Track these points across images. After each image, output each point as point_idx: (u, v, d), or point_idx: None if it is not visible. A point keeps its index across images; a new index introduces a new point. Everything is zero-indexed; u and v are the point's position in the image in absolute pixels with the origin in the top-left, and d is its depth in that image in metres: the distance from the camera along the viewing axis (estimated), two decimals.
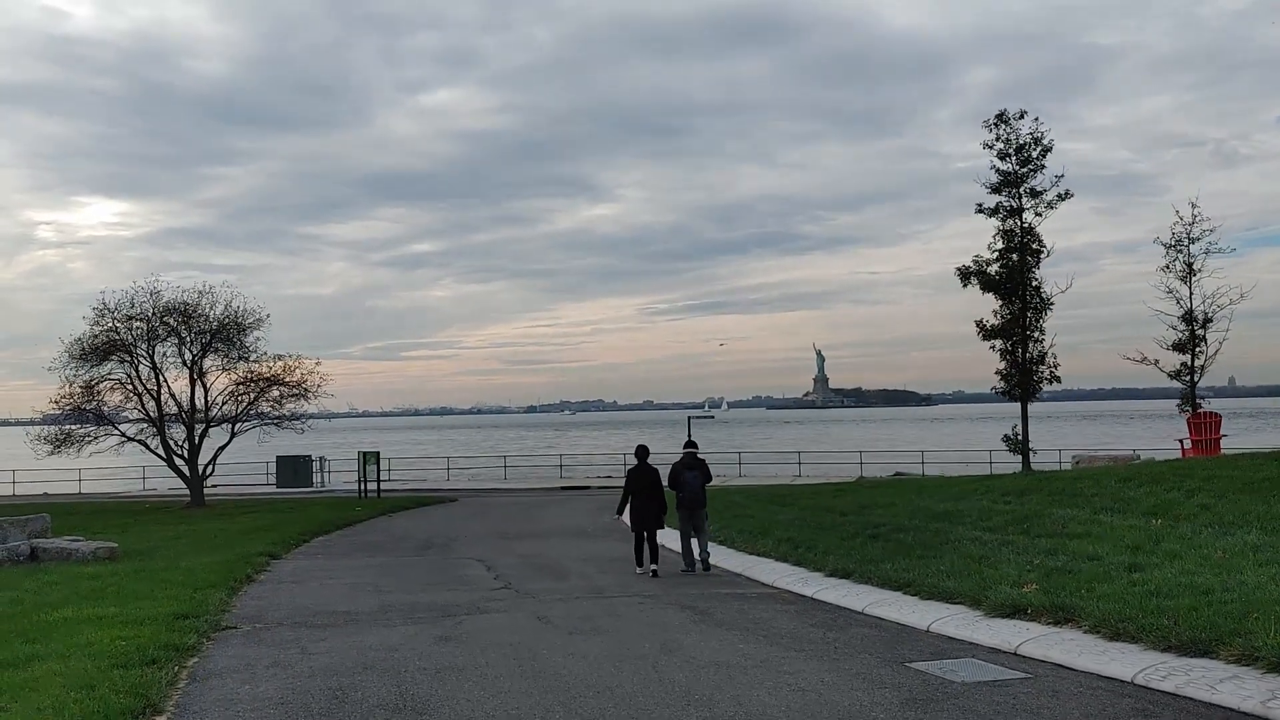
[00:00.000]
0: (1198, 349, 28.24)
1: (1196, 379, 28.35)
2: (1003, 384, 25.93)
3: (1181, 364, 28.31)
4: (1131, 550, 11.95)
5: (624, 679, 8.47)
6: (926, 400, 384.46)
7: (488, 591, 13.94)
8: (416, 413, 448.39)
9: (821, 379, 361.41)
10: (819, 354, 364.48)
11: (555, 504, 33.23)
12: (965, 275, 25.97)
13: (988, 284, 25.54)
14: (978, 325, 25.83)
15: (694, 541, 15.83)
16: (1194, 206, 27.98)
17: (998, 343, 25.59)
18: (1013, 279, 24.98)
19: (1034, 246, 25.43)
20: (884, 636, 10.13)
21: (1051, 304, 25.62)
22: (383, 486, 38.11)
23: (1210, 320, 28.02)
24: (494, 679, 8.58)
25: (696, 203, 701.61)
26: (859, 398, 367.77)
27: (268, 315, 36.43)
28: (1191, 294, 28.25)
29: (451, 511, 30.74)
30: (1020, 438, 24.81)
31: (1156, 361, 28.35)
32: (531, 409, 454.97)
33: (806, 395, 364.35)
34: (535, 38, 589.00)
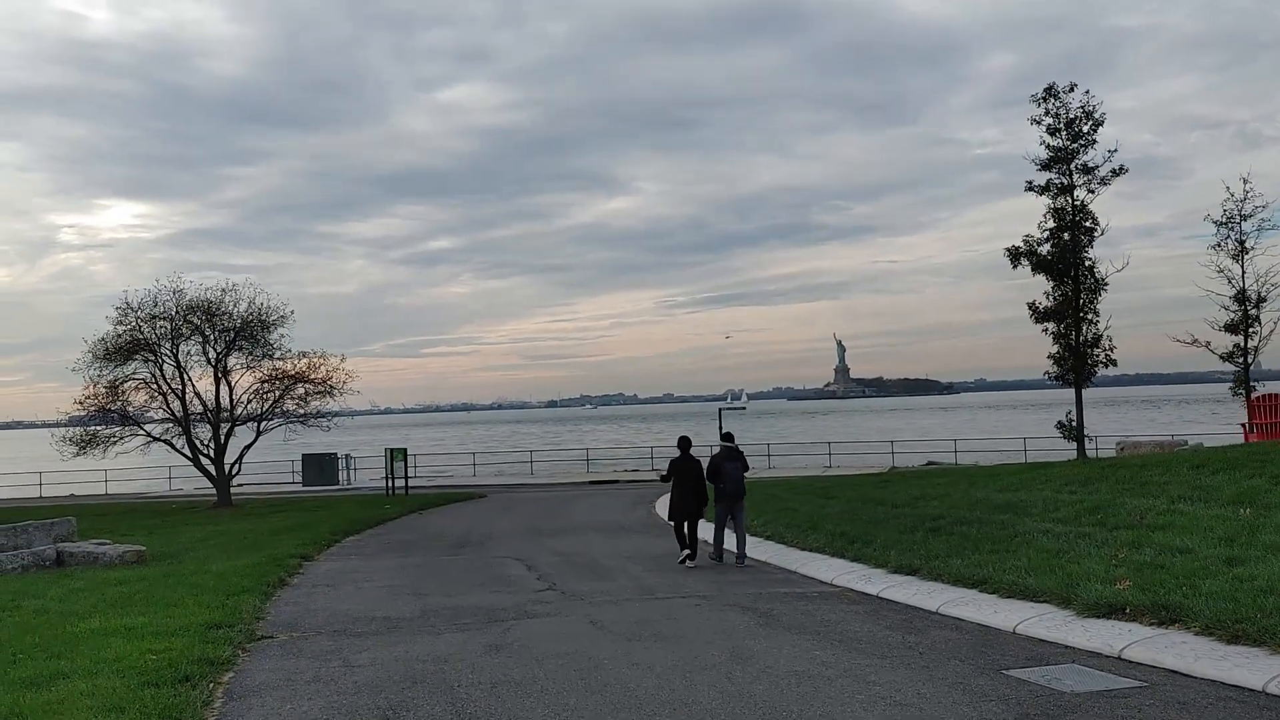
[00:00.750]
0: (1251, 329, 27.25)
1: (1250, 361, 27.37)
2: (1055, 368, 24.82)
3: (1234, 345, 27.31)
4: (1225, 543, 11.15)
5: (698, 693, 7.75)
6: (948, 389, 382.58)
7: (532, 593, 13.25)
8: (438, 409, 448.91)
9: (842, 369, 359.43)
10: (839, 344, 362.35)
11: (585, 499, 32.57)
12: (1015, 256, 24.85)
13: (1039, 265, 24.44)
14: (1030, 307, 24.75)
15: (728, 533, 15.70)
16: (1245, 182, 26.97)
17: (1050, 325, 24.48)
18: (1065, 259, 23.86)
19: (1086, 225, 24.33)
20: (969, 640, 9.38)
21: (1106, 284, 24.50)
22: (410, 483, 37.52)
23: (1264, 300, 27.03)
24: (556, 694, 7.87)
25: (712, 195, 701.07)
26: (880, 387, 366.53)
27: (291, 311, 35.88)
28: (1244, 272, 27.26)
29: (482, 508, 30.12)
30: (1075, 424, 23.72)
31: (1208, 344, 27.39)
32: (552, 403, 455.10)
33: (827, 386, 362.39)
34: (548, 32, 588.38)
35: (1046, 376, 24.22)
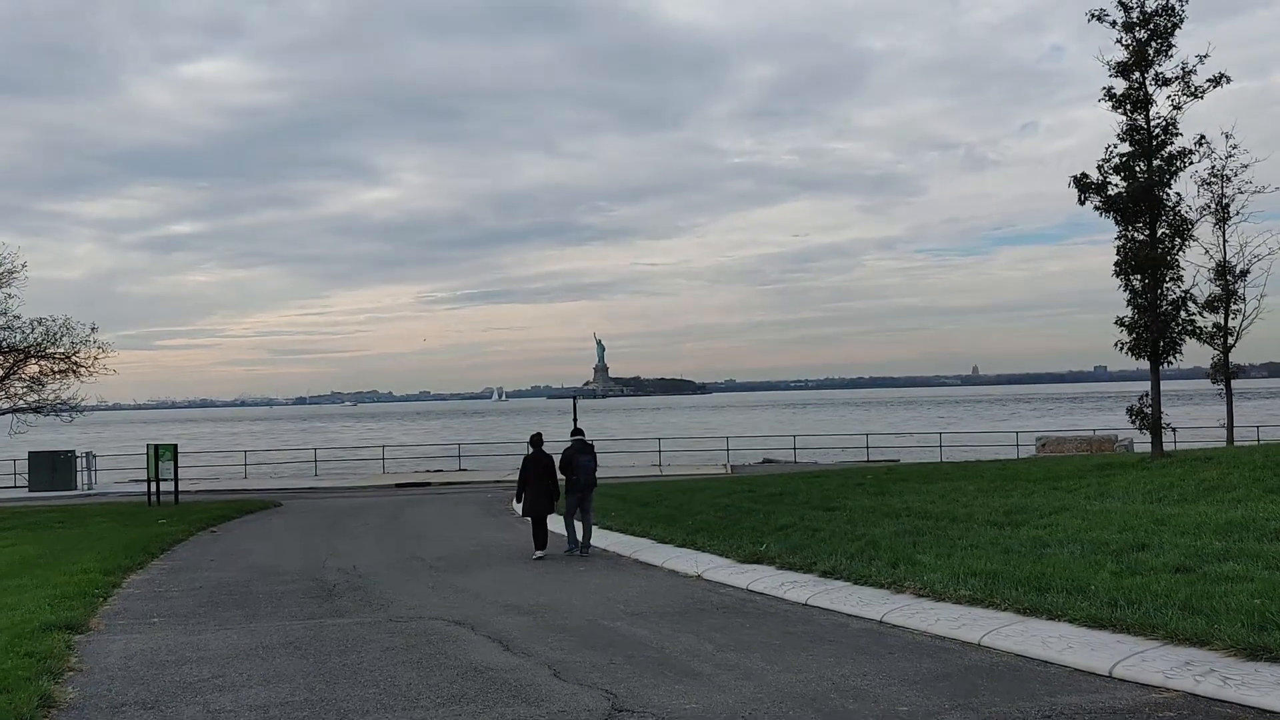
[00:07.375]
0: (1233, 307, 23.52)
1: (1231, 343, 23.60)
2: (1127, 336, 19.27)
3: (1215, 325, 23.43)
4: None
5: None
6: (702, 389, 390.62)
7: None
8: (173, 405, 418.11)
9: (602, 368, 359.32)
10: (599, 343, 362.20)
11: (417, 507, 25.88)
12: (1083, 188, 19.16)
13: (1109, 203, 18.87)
14: (1117, 251, 19.32)
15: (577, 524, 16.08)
16: (1228, 137, 23.02)
17: (1132, 280, 18.89)
18: (1146, 194, 18.41)
19: (1170, 150, 19.04)
20: None
21: (1193, 232, 19.22)
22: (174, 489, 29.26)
23: (1247, 273, 23.37)
24: None
25: (477, 190, 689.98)
26: (638, 386, 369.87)
27: (23, 265, 27.11)
28: (1225, 241, 23.48)
29: (292, 522, 22.78)
30: (1153, 411, 18.59)
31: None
32: (301, 400, 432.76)
33: (587, 384, 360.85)
34: (307, 10, 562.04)
35: (1117, 347, 19.14)
